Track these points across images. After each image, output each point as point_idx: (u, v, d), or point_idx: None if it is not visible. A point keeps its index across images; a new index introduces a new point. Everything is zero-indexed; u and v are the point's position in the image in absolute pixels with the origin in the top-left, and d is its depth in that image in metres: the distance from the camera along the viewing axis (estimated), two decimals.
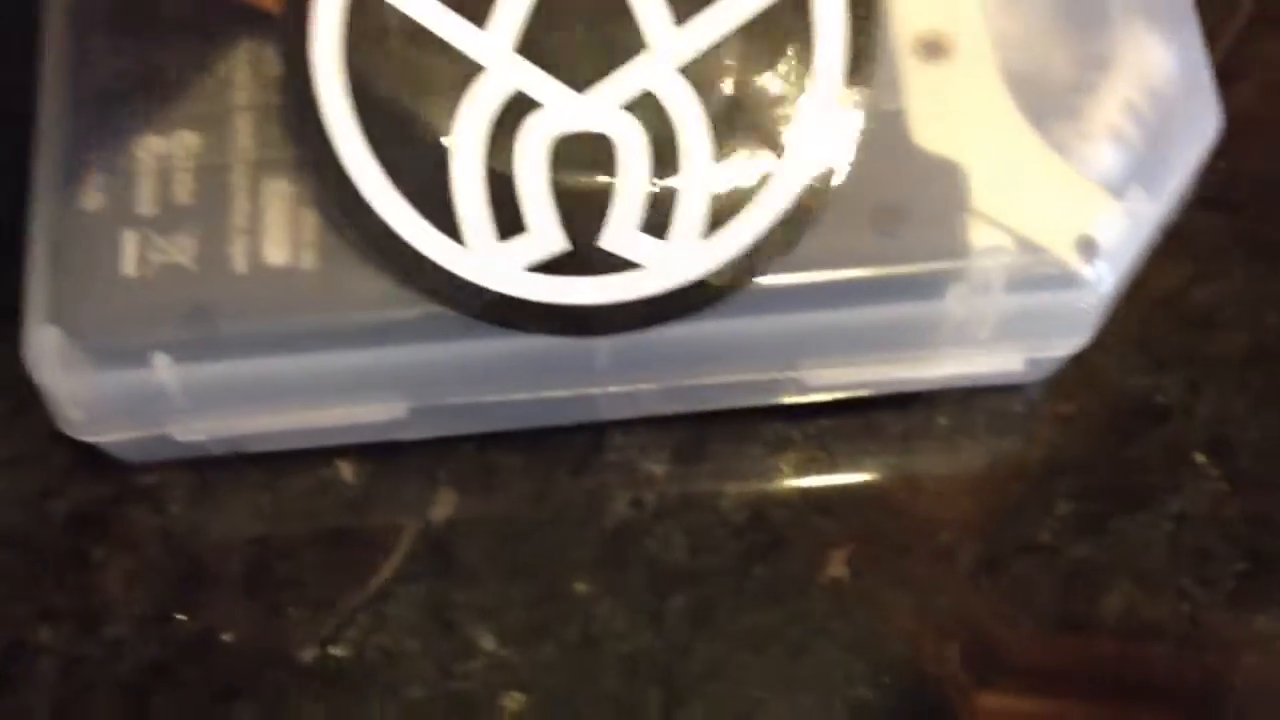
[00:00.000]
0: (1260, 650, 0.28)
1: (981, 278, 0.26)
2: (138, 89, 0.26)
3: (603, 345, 0.26)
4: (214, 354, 0.25)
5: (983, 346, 0.27)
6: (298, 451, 0.29)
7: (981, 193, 0.26)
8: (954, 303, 0.26)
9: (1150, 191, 0.26)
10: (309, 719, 0.27)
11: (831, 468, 0.30)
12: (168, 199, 0.26)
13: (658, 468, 0.29)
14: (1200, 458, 0.30)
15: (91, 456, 0.28)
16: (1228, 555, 0.29)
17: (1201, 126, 0.27)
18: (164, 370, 0.25)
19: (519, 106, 0.25)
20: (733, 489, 0.29)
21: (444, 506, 0.29)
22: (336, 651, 0.28)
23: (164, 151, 0.26)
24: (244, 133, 0.26)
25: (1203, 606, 0.29)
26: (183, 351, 0.25)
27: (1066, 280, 0.26)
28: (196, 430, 0.27)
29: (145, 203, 0.26)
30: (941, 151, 0.26)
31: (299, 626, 0.28)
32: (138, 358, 0.25)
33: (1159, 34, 0.27)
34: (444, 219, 0.25)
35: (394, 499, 0.29)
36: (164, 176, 0.26)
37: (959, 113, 0.26)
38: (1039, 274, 0.26)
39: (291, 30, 0.25)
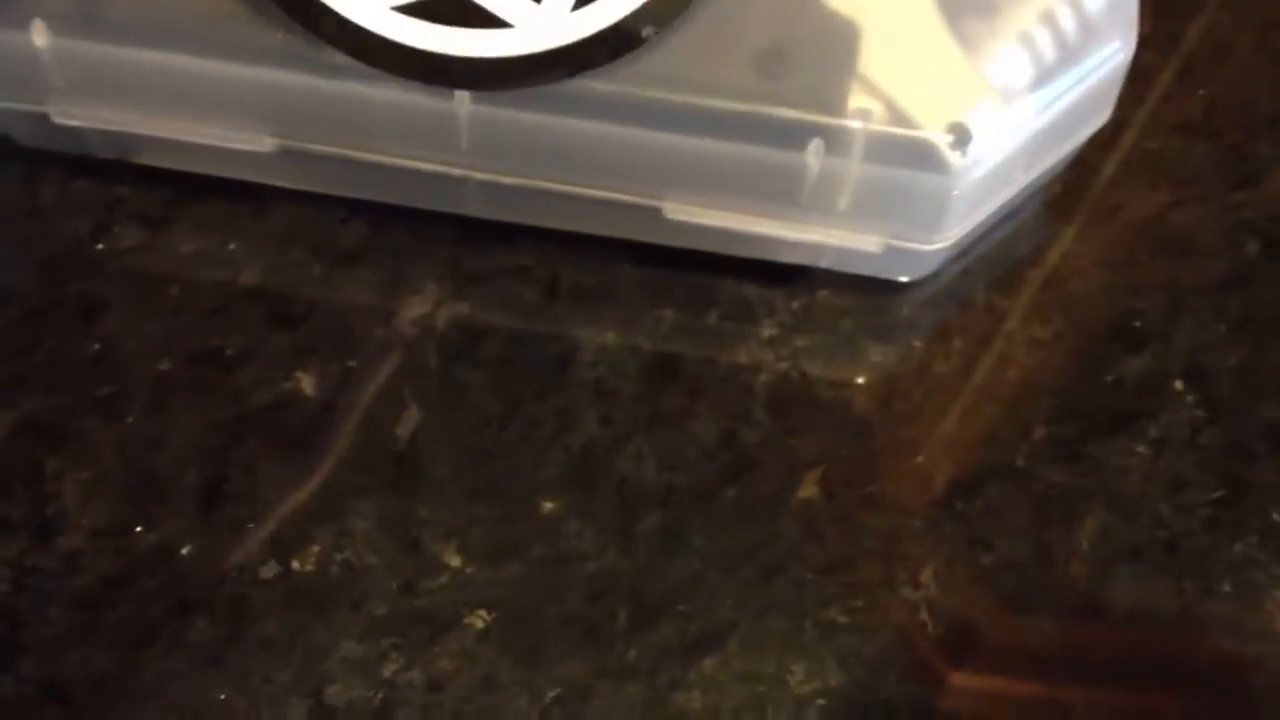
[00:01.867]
0: (1234, 579, 0.28)
1: (845, 138, 0.26)
2: None
3: (464, 113, 0.26)
4: (91, 34, 0.26)
5: (842, 217, 0.27)
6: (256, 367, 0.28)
7: (869, 58, 0.26)
8: (814, 158, 0.26)
9: (1040, 100, 0.26)
10: (269, 633, 0.27)
11: (806, 388, 0.29)
12: None
13: (627, 385, 0.29)
14: (1178, 384, 0.30)
15: None
16: (1204, 482, 0.29)
17: (1113, 53, 0.27)
18: (41, 38, 0.26)
19: None
20: (703, 408, 0.29)
21: (407, 424, 0.28)
22: (298, 566, 0.27)
23: None
24: None
25: (1180, 533, 0.28)
26: (63, 25, 0.26)
27: (930, 161, 0.26)
28: (72, 115, 0.27)
29: None
30: (842, 8, 0.26)
31: (259, 542, 0.27)
32: (19, 21, 0.26)
33: None
34: None
35: (357, 414, 0.28)
36: None
37: None
38: (903, 148, 0.26)
39: None
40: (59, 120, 0.28)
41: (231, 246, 0.30)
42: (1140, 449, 0.29)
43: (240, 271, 0.30)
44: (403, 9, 0.25)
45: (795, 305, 0.30)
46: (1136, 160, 0.31)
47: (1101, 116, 0.28)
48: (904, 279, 0.29)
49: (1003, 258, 0.30)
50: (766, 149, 0.26)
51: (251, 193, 0.30)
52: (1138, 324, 0.30)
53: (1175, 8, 0.33)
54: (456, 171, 0.28)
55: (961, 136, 0.26)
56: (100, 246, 0.30)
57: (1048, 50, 0.26)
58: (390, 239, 0.30)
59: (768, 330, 0.30)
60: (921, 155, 0.26)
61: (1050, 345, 0.30)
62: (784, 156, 0.26)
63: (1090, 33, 0.27)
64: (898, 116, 0.26)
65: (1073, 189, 0.31)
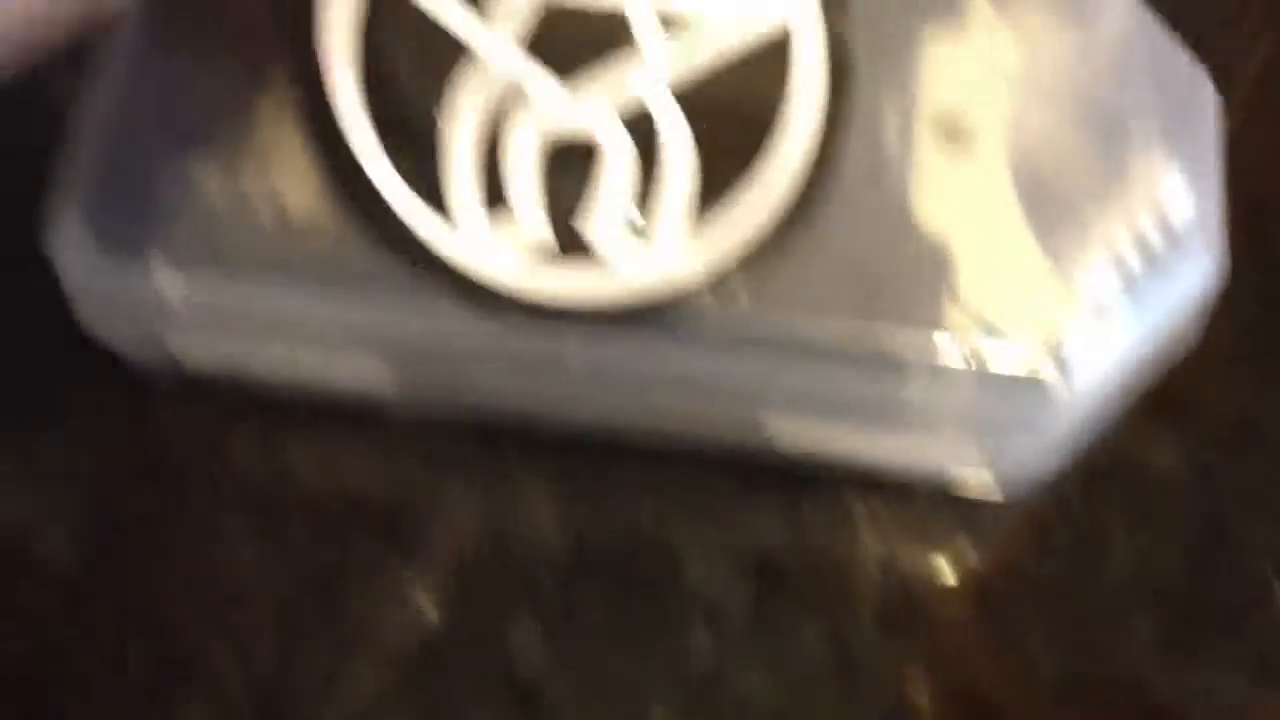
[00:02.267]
0: None
1: (945, 360, 0.26)
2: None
3: (574, 352, 0.27)
4: (213, 270, 0.27)
5: (942, 440, 0.28)
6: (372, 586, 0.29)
7: (966, 280, 0.27)
8: (916, 380, 0.27)
9: (1136, 317, 0.27)
10: None
11: (907, 593, 0.29)
12: (206, 118, 0.28)
13: (733, 594, 0.29)
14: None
15: None
16: None
17: (1202, 268, 0.27)
18: (163, 272, 0.27)
19: (516, 98, 0.26)
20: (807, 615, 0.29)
21: (523, 639, 0.29)
22: None
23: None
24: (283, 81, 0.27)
25: None
26: (185, 261, 0.27)
27: (1033, 382, 0.26)
28: (190, 346, 0.28)
29: (179, 109, 0.28)
30: (935, 230, 0.27)
31: None
32: (141, 255, 0.27)
33: (1178, 165, 0.28)
34: (434, 196, 0.26)
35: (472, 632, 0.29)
36: (203, 98, 0.28)
37: (962, 197, 0.27)
38: (1003, 370, 0.26)
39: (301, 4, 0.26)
40: (176, 351, 0.29)
41: (345, 462, 0.31)
42: (1242, 652, 0.29)
43: (355, 488, 0.31)
44: (519, 255, 0.26)
45: (895, 510, 0.31)
46: (1221, 360, 0.32)
47: (1194, 332, 0.28)
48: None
49: (1098, 460, 0.31)
50: (867, 372, 0.27)
51: (363, 407, 0.31)
52: (1231, 524, 0.30)
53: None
54: (565, 397, 0.28)
55: (1061, 359, 0.26)
56: (214, 465, 0.31)
57: (1141, 275, 0.27)
58: (501, 451, 0.31)
59: (868, 536, 0.30)
60: (1023, 374, 0.26)
61: (1149, 549, 0.30)
62: (885, 380, 0.27)
63: (1181, 247, 0.27)
64: (997, 339, 0.26)
65: (1164, 389, 0.31)
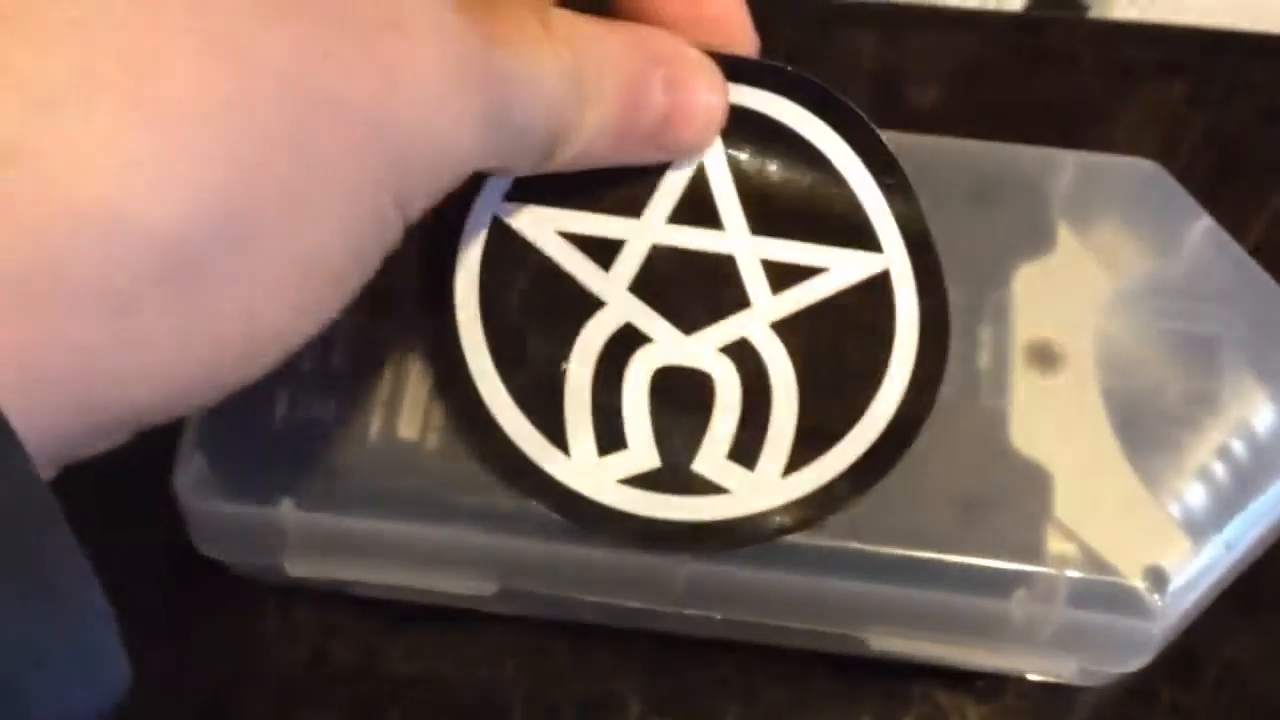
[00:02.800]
0: None
1: (1048, 586, 0.27)
2: None
3: (680, 571, 0.28)
4: (333, 507, 0.28)
5: (1040, 650, 0.28)
6: None
7: (1063, 504, 0.28)
8: (1018, 605, 0.27)
9: (1229, 537, 0.28)
10: None
11: None
12: (325, 360, 0.29)
13: None
14: None
15: None
16: None
17: None
18: (288, 514, 0.28)
19: (630, 339, 0.27)
20: None
21: None
22: None
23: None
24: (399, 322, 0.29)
25: None
26: (307, 500, 0.28)
27: (1130, 605, 0.27)
28: (305, 570, 0.29)
29: (305, 359, 0.28)
30: (1033, 456, 0.28)
31: None
32: (266, 497, 0.28)
33: (1265, 387, 0.29)
34: (553, 429, 0.27)
35: None
36: (327, 341, 0.28)
37: (1057, 423, 0.28)
38: (1104, 594, 0.27)
39: (434, 247, 0.27)
40: (292, 574, 0.30)
41: (445, 669, 0.32)
42: None
43: (456, 694, 0.32)
44: (627, 481, 0.27)
45: (985, 710, 0.31)
46: None
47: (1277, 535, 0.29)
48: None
49: (1182, 652, 0.31)
50: (969, 595, 0.27)
51: (462, 613, 0.32)
52: None
53: None
54: (667, 610, 0.29)
55: (1158, 580, 0.27)
56: (319, 671, 0.32)
57: (1229, 487, 0.28)
58: (593, 652, 0.32)
59: None
60: (1121, 599, 0.27)
61: None
62: (986, 601, 0.28)
63: (1267, 465, 0.28)
64: (1094, 561, 0.27)
65: (1248, 579, 0.32)
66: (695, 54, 0.25)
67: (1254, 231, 0.35)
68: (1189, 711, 0.31)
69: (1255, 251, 0.29)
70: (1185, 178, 0.31)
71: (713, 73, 0.26)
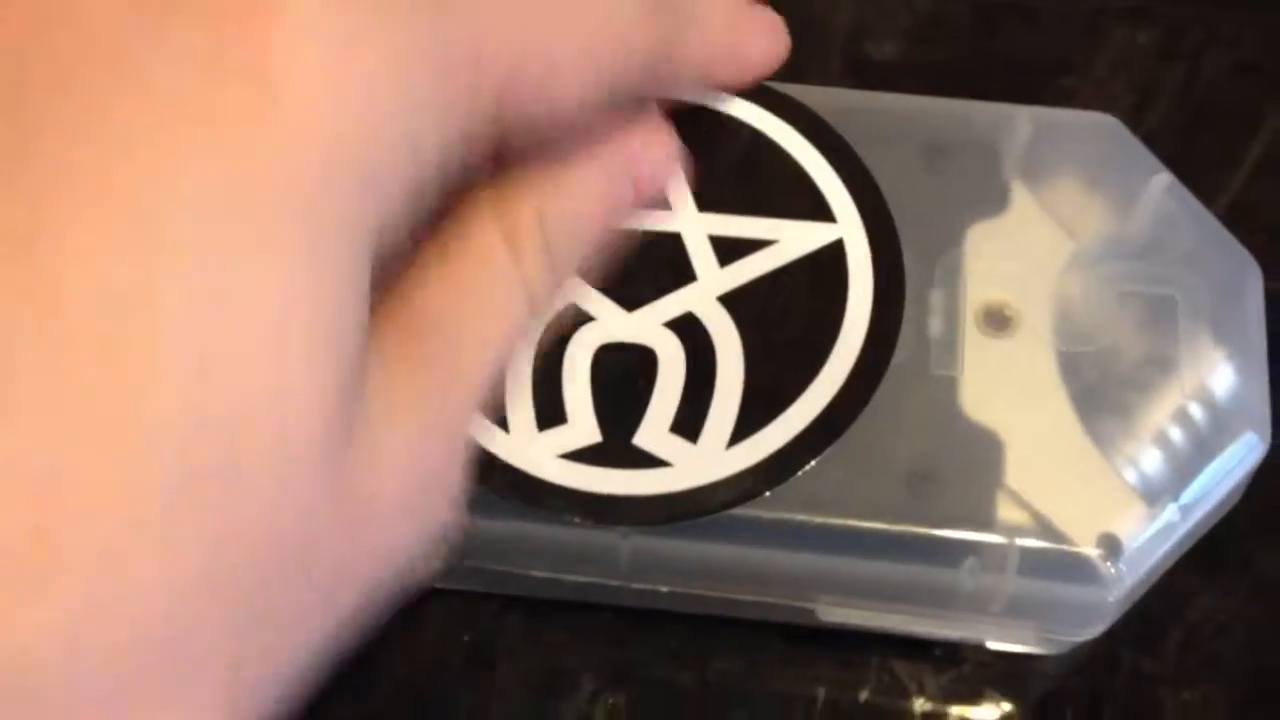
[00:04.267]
0: None
1: (999, 554, 0.27)
2: None
3: (625, 544, 0.27)
4: None
5: (994, 618, 0.28)
6: None
7: (1015, 471, 0.27)
8: (968, 574, 0.27)
9: (1184, 503, 0.27)
10: None
11: None
12: None
13: None
14: None
15: None
16: None
17: (1249, 450, 0.28)
18: None
19: (573, 317, 0.27)
20: None
21: None
22: None
23: None
24: None
25: None
26: None
27: (1083, 573, 0.27)
28: None
29: None
30: (985, 423, 0.27)
31: None
32: None
33: (1224, 348, 0.28)
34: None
35: None
36: None
37: (1009, 388, 0.28)
38: (1056, 562, 0.27)
39: None
40: None
41: (388, 648, 0.31)
42: None
43: (393, 676, 0.31)
44: (568, 456, 0.27)
45: (943, 680, 0.31)
46: (1270, 514, 0.32)
47: (1238, 497, 0.29)
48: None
49: (1143, 617, 0.31)
50: (920, 565, 0.27)
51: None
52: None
53: None
54: (613, 583, 0.29)
55: (1112, 548, 0.26)
56: None
57: (1186, 451, 0.27)
58: (544, 633, 0.31)
59: (919, 706, 0.31)
60: (1074, 567, 0.27)
61: (1199, 708, 0.30)
62: (938, 572, 0.27)
63: (1225, 428, 0.27)
64: (1046, 529, 0.27)
65: (1208, 541, 0.31)
66: (658, 147, 0.24)
67: (1229, 190, 0.35)
68: (1151, 676, 0.31)
69: (1229, 210, 0.29)
70: (1155, 135, 0.31)
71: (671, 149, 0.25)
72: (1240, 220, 0.29)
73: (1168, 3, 0.39)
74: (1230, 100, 0.37)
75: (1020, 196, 0.29)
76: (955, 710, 0.31)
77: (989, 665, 0.31)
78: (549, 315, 0.25)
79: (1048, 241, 0.28)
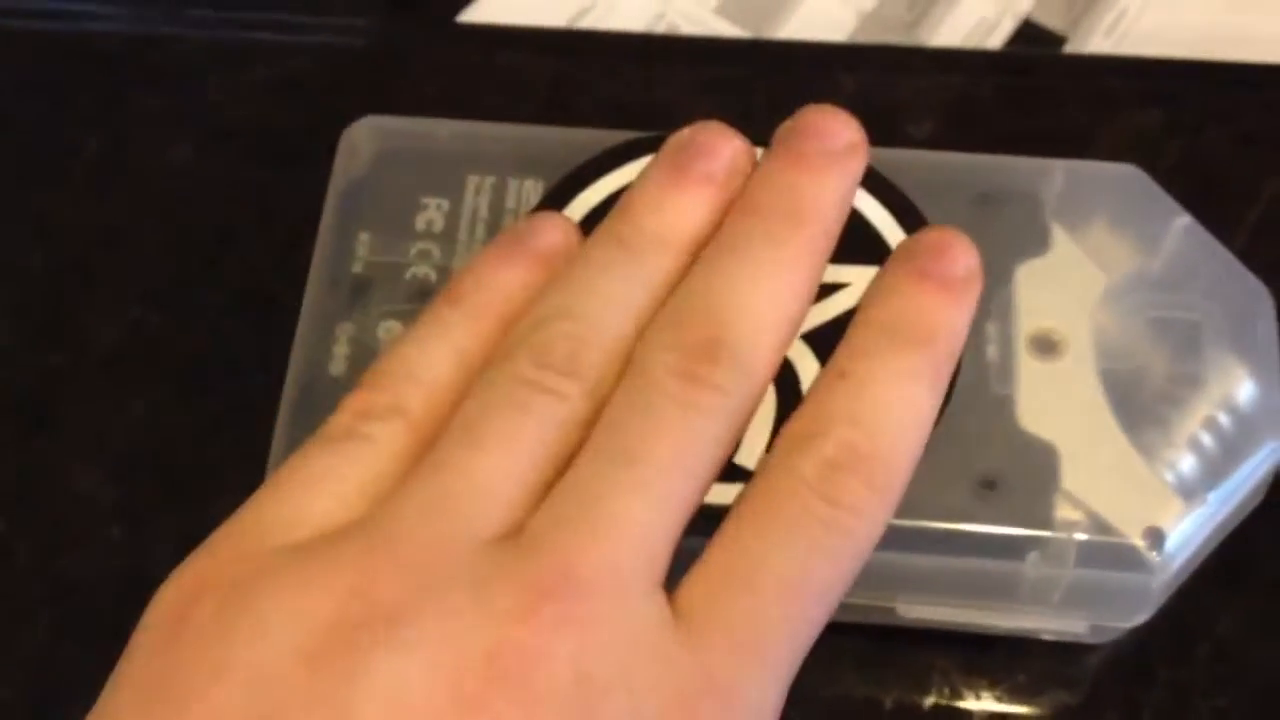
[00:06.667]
0: None
1: (1059, 549, 0.30)
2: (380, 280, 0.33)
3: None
4: None
5: (1053, 608, 0.32)
6: None
7: (1069, 476, 0.31)
8: (1032, 567, 0.30)
9: (1216, 496, 0.31)
10: None
11: None
12: None
13: None
14: None
15: None
16: None
17: (1271, 448, 0.32)
18: None
19: None
20: None
21: None
22: None
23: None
24: None
25: None
26: None
27: (1133, 563, 0.30)
28: None
29: None
30: (1040, 435, 0.31)
31: None
32: None
33: (1244, 366, 0.32)
34: None
35: None
36: None
37: (1060, 404, 0.31)
38: (1108, 553, 0.30)
39: None
40: None
41: None
42: None
43: None
44: None
45: (1000, 689, 0.34)
46: None
47: (1261, 494, 0.32)
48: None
49: (1177, 629, 0.34)
50: (988, 560, 0.31)
51: None
52: None
53: None
54: None
55: (1156, 539, 0.30)
56: None
57: (1215, 455, 0.31)
58: None
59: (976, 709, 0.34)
60: (1124, 557, 0.30)
61: (1228, 715, 0.34)
62: (1004, 565, 0.31)
63: (1249, 434, 0.31)
64: (1099, 524, 0.30)
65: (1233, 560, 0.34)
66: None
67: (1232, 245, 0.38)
68: (1183, 685, 0.34)
69: (1243, 247, 0.33)
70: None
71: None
72: (1252, 255, 0.33)
73: (1171, 82, 0.43)
74: (1232, 165, 0.42)
75: (1059, 238, 0.33)
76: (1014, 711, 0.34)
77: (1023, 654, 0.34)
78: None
79: (1085, 277, 0.32)
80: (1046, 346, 0.32)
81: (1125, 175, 0.34)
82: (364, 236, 0.34)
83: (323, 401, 0.31)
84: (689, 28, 0.43)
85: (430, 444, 0.23)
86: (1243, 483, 0.31)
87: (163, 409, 0.38)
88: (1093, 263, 0.33)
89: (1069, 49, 0.45)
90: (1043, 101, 0.43)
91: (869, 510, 0.23)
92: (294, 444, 0.30)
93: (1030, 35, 0.45)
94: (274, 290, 0.36)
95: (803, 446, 0.23)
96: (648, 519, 0.22)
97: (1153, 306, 0.32)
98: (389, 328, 0.32)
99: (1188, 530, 0.31)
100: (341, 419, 0.24)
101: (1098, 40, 0.45)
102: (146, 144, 0.42)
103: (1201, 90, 0.42)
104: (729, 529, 0.23)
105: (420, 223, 0.34)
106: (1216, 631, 0.35)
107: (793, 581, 0.22)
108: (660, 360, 0.23)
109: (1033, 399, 0.31)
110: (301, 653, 0.20)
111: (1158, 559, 0.30)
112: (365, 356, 0.32)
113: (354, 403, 0.24)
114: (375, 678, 0.19)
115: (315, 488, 0.23)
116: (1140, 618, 0.32)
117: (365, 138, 0.35)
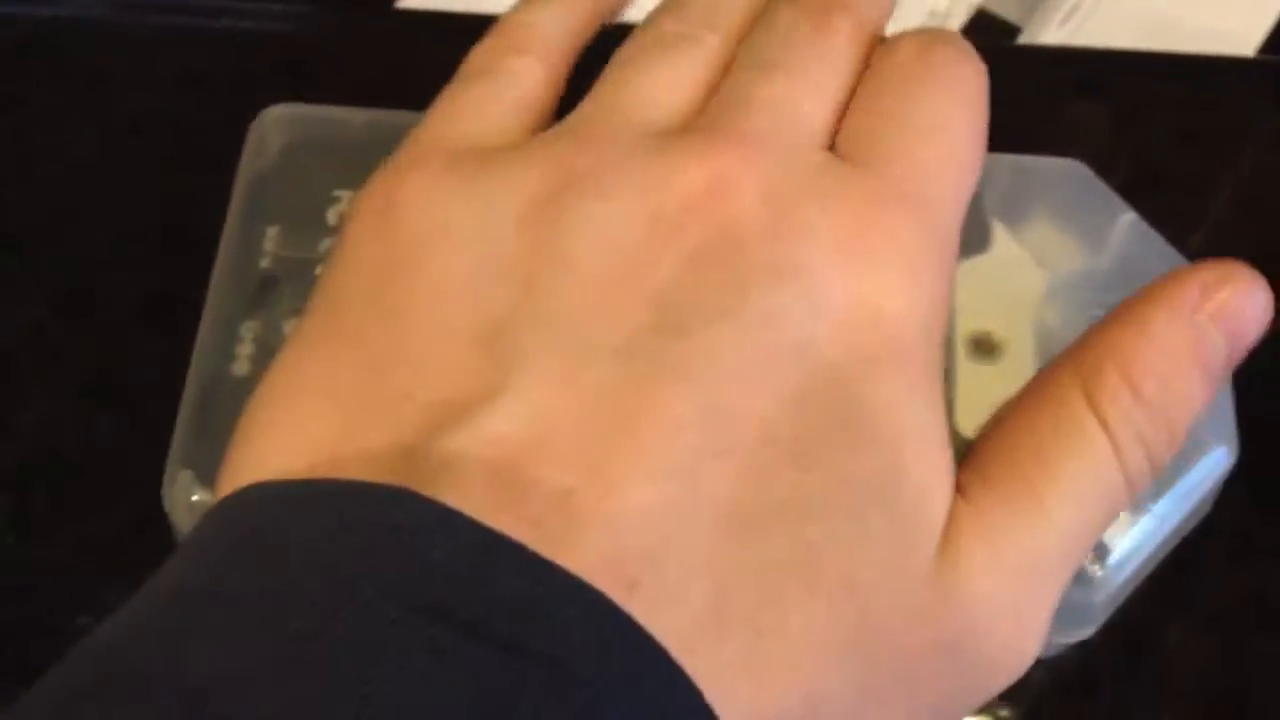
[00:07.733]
0: None
1: None
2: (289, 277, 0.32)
3: None
4: None
5: None
6: None
7: None
8: None
9: (1161, 512, 0.30)
10: None
11: None
12: None
13: None
14: None
15: None
16: None
17: (1217, 457, 0.30)
18: None
19: None
20: None
21: None
22: None
23: None
24: None
25: None
26: None
27: (1075, 577, 0.29)
28: None
29: None
30: (973, 436, 0.29)
31: None
32: None
33: None
34: None
35: None
36: None
37: (997, 404, 0.29)
38: None
39: None
40: None
41: None
42: None
43: None
44: None
45: None
46: (1233, 535, 0.34)
47: (1209, 506, 0.31)
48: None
49: (1122, 643, 0.33)
50: None
51: None
52: (1250, 704, 0.33)
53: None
54: None
55: (1100, 552, 0.29)
56: None
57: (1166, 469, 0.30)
58: None
59: None
60: None
61: None
62: None
63: (1195, 442, 0.30)
64: None
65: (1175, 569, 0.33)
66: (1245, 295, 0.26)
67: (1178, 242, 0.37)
68: (1129, 701, 0.33)
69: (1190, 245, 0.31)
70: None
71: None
72: (1199, 252, 0.32)
73: (1118, 74, 0.42)
74: (1178, 160, 0.41)
75: (999, 235, 0.31)
76: None
77: None
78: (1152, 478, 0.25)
79: (1026, 275, 0.31)
80: (986, 347, 0.31)
81: (1067, 170, 0.33)
82: (272, 231, 0.32)
83: (224, 403, 0.30)
84: (637, 15, 0.41)
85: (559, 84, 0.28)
86: (1189, 493, 0.30)
87: (61, 413, 0.36)
88: (1034, 260, 0.31)
89: (1023, 39, 0.43)
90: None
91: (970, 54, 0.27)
92: (193, 448, 0.29)
93: (984, 25, 0.44)
94: (181, 290, 0.34)
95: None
96: (804, 98, 0.25)
97: (1096, 305, 0.31)
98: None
99: (1132, 543, 0.29)
100: (476, 59, 0.28)
101: (1052, 31, 0.43)
102: (46, 138, 0.40)
103: (1148, 82, 0.41)
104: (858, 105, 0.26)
105: (333, 216, 0.33)
106: (1162, 646, 0.34)
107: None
108: (786, 14, 0.26)
109: (971, 402, 0.30)
110: (513, 216, 0.23)
111: (1100, 573, 0.29)
112: (270, 357, 0.30)
113: (487, 44, 0.28)
114: (581, 221, 0.22)
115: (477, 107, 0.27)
116: (1084, 633, 0.30)
117: (275, 127, 0.34)
